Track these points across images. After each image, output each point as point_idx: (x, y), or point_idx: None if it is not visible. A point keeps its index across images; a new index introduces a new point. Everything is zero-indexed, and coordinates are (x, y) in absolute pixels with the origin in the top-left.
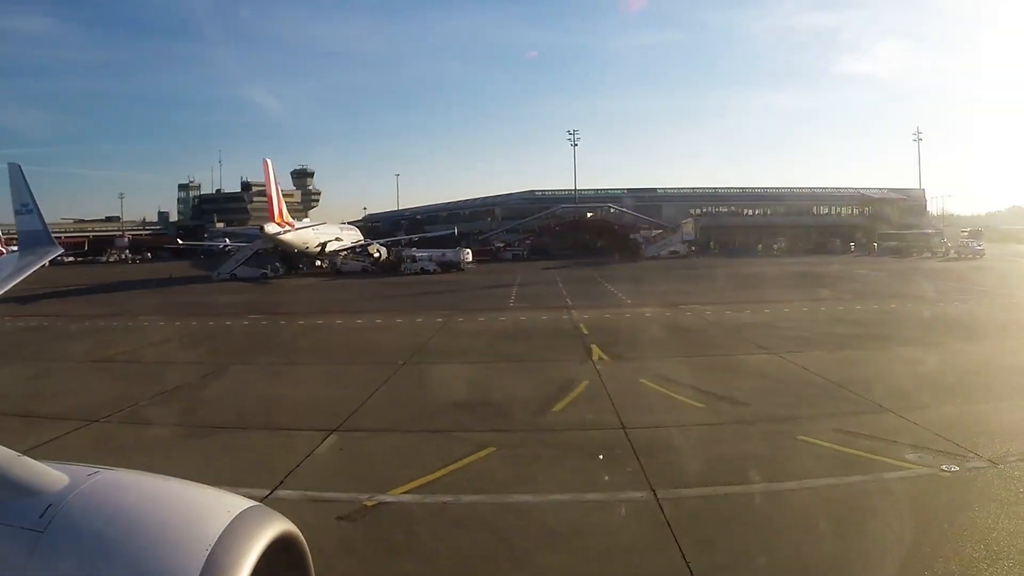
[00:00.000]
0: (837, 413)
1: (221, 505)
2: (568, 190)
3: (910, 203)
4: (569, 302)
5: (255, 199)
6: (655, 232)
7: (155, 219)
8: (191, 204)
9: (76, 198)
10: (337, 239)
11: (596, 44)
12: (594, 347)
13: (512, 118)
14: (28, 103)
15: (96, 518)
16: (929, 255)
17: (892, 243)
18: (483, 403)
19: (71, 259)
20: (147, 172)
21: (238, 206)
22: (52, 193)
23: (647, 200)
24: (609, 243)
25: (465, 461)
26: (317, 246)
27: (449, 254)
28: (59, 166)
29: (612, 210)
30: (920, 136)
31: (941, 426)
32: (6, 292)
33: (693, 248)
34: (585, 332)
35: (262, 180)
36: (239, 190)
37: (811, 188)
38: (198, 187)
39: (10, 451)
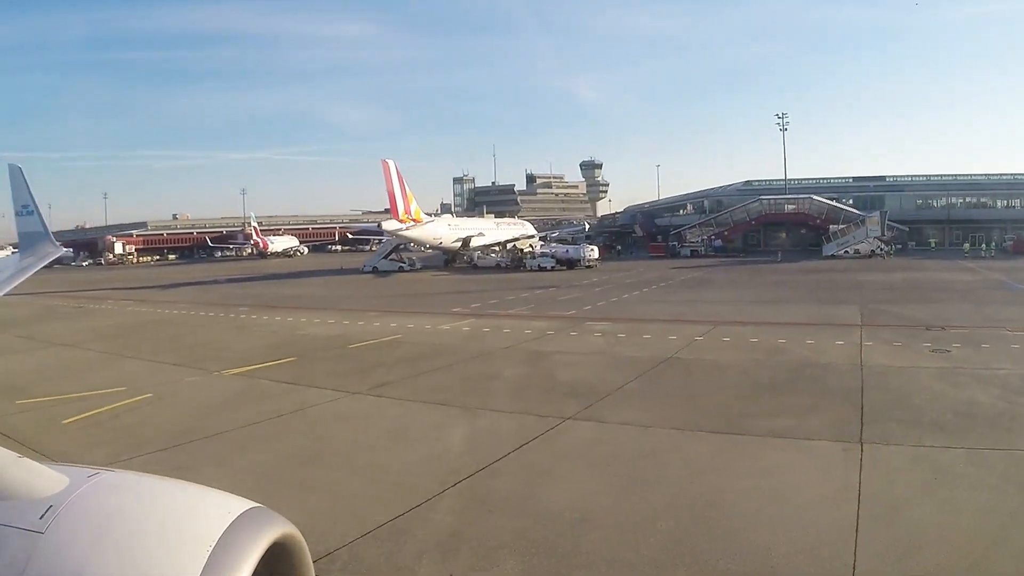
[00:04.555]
0: None
1: (222, 506)
2: (790, 180)
3: None
4: (520, 310)
5: (539, 191)
6: (840, 228)
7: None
8: (465, 196)
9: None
10: (480, 234)
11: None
12: (289, 360)
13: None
14: (350, 101)
15: (96, 519)
16: None
17: None
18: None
19: (337, 248)
20: (448, 163)
21: (508, 198)
22: (359, 184)
23: (870, 191)
24: (803, 239)
25: None
26: (456, 241)
27: (571, 251)
28: (369, 157)
29: (827, 203)
30: None
31: None
32: (7, 293)
33: (883, 247)
34: (352, 347)
35: (547, 172)
36: (525, 182)
37: None
38: (472, 180)
39: (10, 452)
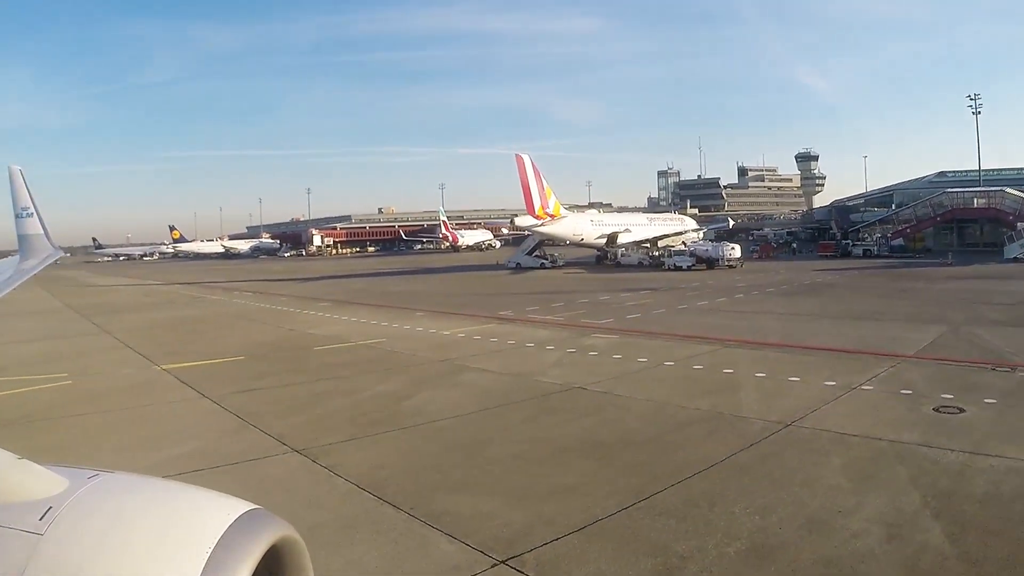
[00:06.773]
0: None
1: (221, 508)
2: (988, 170)
3: None
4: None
5: (751, 184)
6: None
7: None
8: (670, 191)
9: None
10: (627, 230)
11: None
12: (237, 359)
13: None
14: (577, 96)
15: (96, 521)
16: None
17: None
18: None
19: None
20: (657, 156)
21: (713, 192)
22: (560, 178)
23: None
24: (999, 238)
25: None
26: (599, 237)
27: (711, 250)
28: (598, 153)
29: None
30: None
31: None
32: (5, 295)
33: None
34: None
35: (759, 165)
36: (737, 175)
37: None
38: (677, 173)
39: (10, 454)
